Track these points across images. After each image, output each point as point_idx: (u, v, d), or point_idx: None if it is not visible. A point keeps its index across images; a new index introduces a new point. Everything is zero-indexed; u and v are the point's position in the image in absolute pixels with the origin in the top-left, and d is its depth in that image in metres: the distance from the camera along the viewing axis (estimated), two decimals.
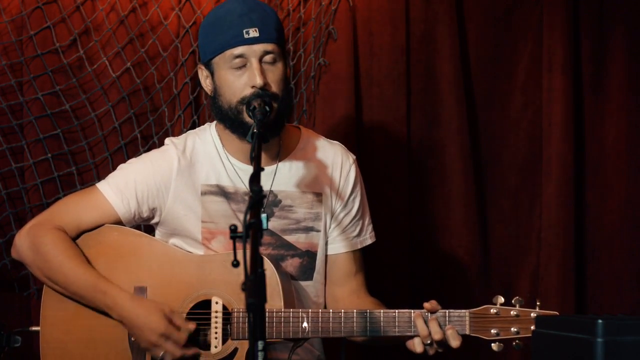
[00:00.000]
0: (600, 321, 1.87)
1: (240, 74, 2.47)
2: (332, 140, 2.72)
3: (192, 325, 2.41)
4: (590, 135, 3.51)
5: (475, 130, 3.52)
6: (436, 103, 3.47)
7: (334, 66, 3.41)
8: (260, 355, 1.67)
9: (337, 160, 2.67)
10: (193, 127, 3.34)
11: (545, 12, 3.47)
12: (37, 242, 2.52)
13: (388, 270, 3.38)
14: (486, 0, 3.53)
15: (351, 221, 2.68)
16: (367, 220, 2.73)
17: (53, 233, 2.51)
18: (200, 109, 3.38)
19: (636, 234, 3.45)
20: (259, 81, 2.44)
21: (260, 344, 1.67)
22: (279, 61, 2.50)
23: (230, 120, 2.53)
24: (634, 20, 3.47)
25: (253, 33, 2.45)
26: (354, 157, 2.71)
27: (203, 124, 3.36)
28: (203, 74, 2.59)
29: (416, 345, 2.39)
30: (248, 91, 2.46)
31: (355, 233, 2.69)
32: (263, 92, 2.45)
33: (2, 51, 3.29)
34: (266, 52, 2.47)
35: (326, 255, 2.66)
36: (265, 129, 2.36)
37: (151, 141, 3.35)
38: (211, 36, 2.52)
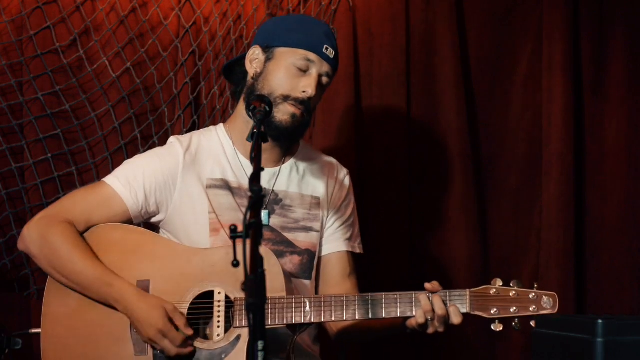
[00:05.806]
0: (600, 321, 1.87)
1: (298, 74, 2.57)
2: (327, 155, 2.84)
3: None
4: (590, 135, 3.51)
5: (475, 130, 3.52)
6: (436, 103, 3.47)
7: None
8: (260, 355, 1.66)
9: (332, 168, 2.80)
10: (193, 127, 3.34)
11: (545, 12, 3.47)
12: (46, 232, 2.53)
13: (387, 270, 3.38)
14: (486, 0, 3.53)
15: (343, 223, 2.76)
16: (357, 230, 2.82)
17: (63, 225, 2.54)
18: (200, 109, 3.38)
19: (636, 233, 3.45)
20: (311, 91, 2.57)
21: (260, 344, 1.67)
22: (326, 88, 2.65)
23: None
24: (634, 20, 3.47)
25: (330, 53, 2.61)
26: (347, 170, 2.84)
27: (203, 124, 3.36)
28: (254, 53, 2.65)
29: (418, 318, 2.40)
30: (296, 93, 2.56)
31: (348, 236, 2.77)
32: (307, 102, 2.57)
33: (2, 51, 3.29)
34: (327, 74, 2.62)
35: (320, 257, 2.72)
36: (289, 134, 2.56)
37: (151, 141, 3.35)
38: (292, 29, 2.61)
